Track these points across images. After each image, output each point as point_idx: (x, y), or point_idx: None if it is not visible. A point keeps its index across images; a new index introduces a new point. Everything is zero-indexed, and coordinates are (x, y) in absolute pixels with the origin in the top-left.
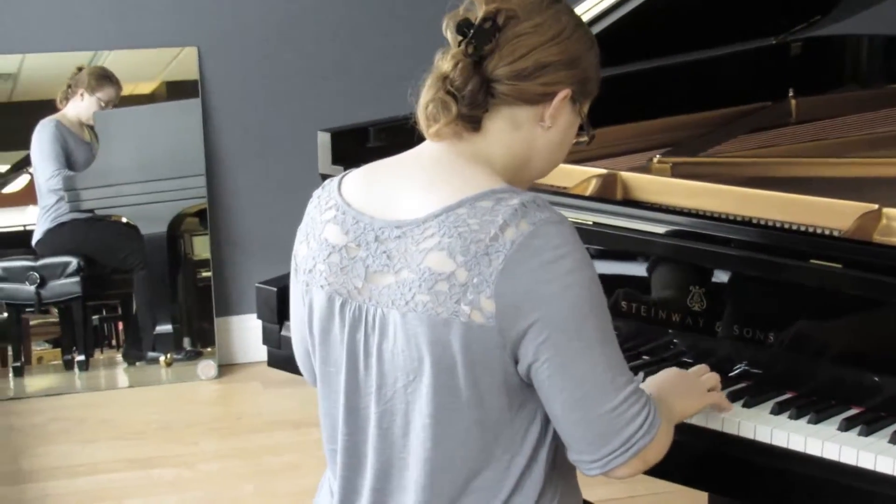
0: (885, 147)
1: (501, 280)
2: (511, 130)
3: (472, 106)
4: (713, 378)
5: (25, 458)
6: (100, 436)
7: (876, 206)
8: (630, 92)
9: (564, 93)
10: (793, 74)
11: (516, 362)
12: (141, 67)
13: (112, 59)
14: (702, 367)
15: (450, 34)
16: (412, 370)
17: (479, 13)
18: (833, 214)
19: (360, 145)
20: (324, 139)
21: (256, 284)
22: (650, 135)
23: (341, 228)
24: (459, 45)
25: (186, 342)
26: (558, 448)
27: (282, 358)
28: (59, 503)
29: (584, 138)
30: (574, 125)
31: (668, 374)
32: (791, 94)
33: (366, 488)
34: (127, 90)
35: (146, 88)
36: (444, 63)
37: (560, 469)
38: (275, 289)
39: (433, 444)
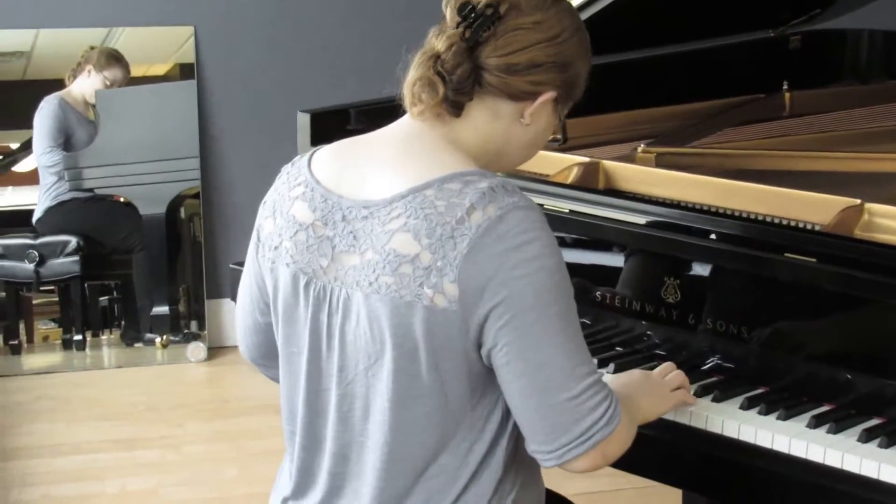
0: (877, 142)
1: (465, 264)
2: (491, 121)
3: (458, 91)
4: (678, 377)
5: (9, 437)
6: (86, 415)
7: (858, 201)
8: (623, 81)
9: (549, 94)
10: (790, 68)
11: (479, 348)
12: (154, 49)
13: (125, 40)
14: (667, 367)
15: (449, 12)
16: (374, 353)
17: None
18: (814, 208)
19: (340, 127)
20: (303, 120)
21: (231, 265)
22: (640, 124)
23: (309, 206)
24: (457, 27)
25: (194, 325)
26: (519, 439)
27: None
28: (40, 482)
29: (558, 137)
30: (551, 126)
31: (633, 374)
32: (785, 87)
33: (323, 471)
34: (140, 71)
35: (160, 70)
36: (439, 42)
37: (521, 461)
38: None
39: (392, 429)
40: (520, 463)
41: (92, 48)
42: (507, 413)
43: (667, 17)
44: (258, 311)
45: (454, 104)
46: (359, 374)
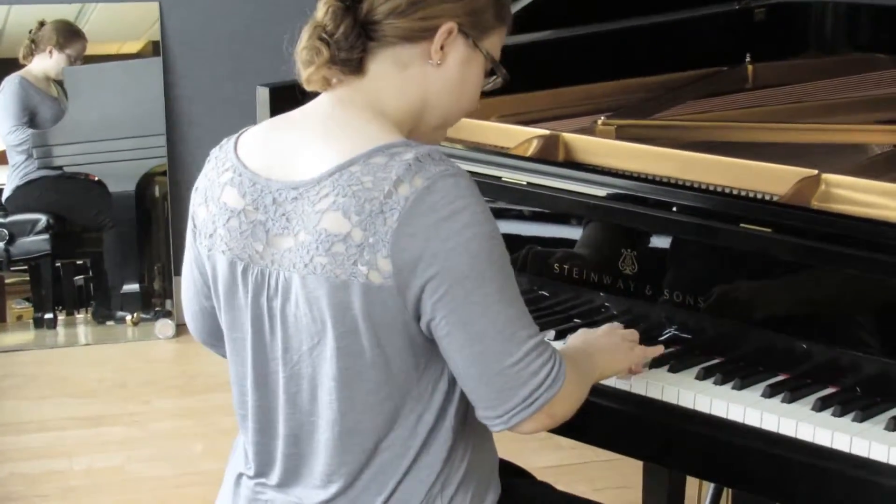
0: (837, 114)
1: (396, 238)
2: (398, 72)
3: (347, 49)
4: (633, 334)
5: None
6: (53, 393)
7: (815, 172)
8: (587, 54)
9: (447, 26)
10: (755, 40)
11: (418, 320)
12: (126, 25)
13: (96, 16)
14: (617, 326)
15: None
16: (315, 333)
17: None
18: (772, 179)
19: (300, 101)
20: (263, 94)
21: None
22: (603, 97)
23: (238, 191)
24: None
25: (169, 303)
26: (469, 405)
27: None
28: (6, 459)
29: (494, 79)
30: (473, 61)
31: (593, 331)
32: (748, 59)
33: (279, 453)
34: (113, 49)
35: (133, 48)
36: (318, 10)
37: (472, 426)
38: None
39: (340, 407)
40: (471, 428)
41: (41, 24)
42: (453, 380)
43: None
44: (202, 295)
45: (346, 62)
46: (303, 356)
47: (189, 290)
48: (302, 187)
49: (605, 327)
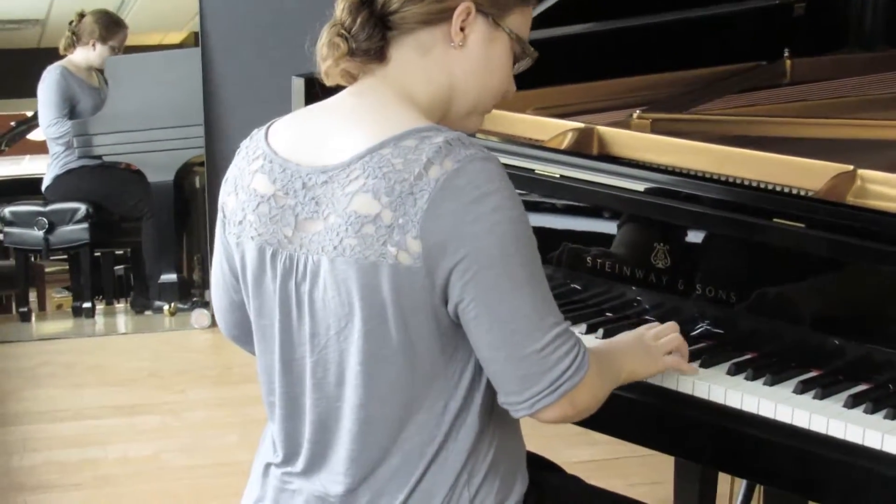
0: (874, 110)
1: (426, 220)
2: (421, 57)
3: (365, 40)
4: (675, 341)
5: (11, 402)
6: (88, 381)
7: (851, 168)
8: (625, 47)
9: (464, 6)
10: (794, 35)
11: (446, 304)
12: (168, 17)
13: (138, 7)
14: (667, 327)
15: None
16: (343, 316)
17: None
18: (807, 174)
19: (334, 91)
20: (298, 84)
21: None
22: (641, 91)
23: (269, 178)
24: None
25: (206, 294)
26: (495, 393)
27: None
28: (41, 447)
29: (526, 59)
30: (497, 42)
31: (627, 334)
32: (786, 54)
33: (305, 439)
34: (156, 39)
35: (175, 38)
36: (336, 8)
37: (499, 415)
38: None
39: (365, 391)
40: (498, 417)
41: (81, 16)
42: (480, 368)
43: None
44: (232, 289)
45: (366, 52)
46: (330, 340)
47: (218, 286)
48: (332, 171)
49: (639, 329)
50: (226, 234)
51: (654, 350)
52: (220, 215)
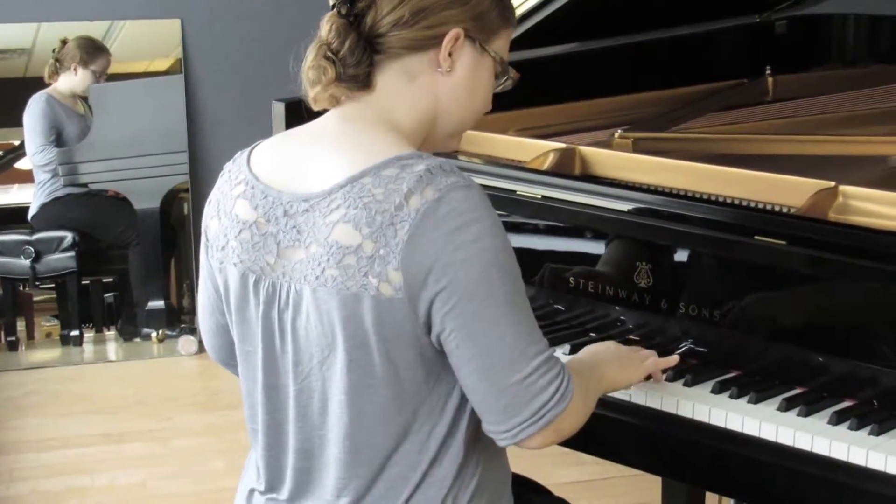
0: (856, 126)
1: (407, 250)
2: (407, 83)
3: (354, 65)
4: (648, 352)
5: None
6: (75, 410)
7: (832, 184)
8: (608, 67)
9: (453, 33)
10: (775, 52)
11: (429, 332)
12: (155, 43)
13: (125, 35)
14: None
15: None
16: (326, 346)
17: None
18: (789, 191)
19: (314, 115)
20: (278, 109)
21: None
22: (621, 111)
23: (251, 204)
24: (333, 8)
25: (193, 320)
26: (479, 419)
27: None
28: (28, 476)
29: (506, 80)
30: (483, 66)
31: (605, 344)
32: (768, 71)
33: (289, 467)
34: (142, 66)
35: (162, 65)
36: (322, 29)
37: (483, 441)
38: None
39: (350, 421)
40: (482, 443)
41: (64, 42)
42: (464, 394)
43: (653, 1)
44: (218, 311)
45: (354, 78)
46: (314, 369)
47: (205, 307)
48: (313, 199)
49: (614, 342)
50: (209, 257)
51: (630, 358)
52: (203, 238)
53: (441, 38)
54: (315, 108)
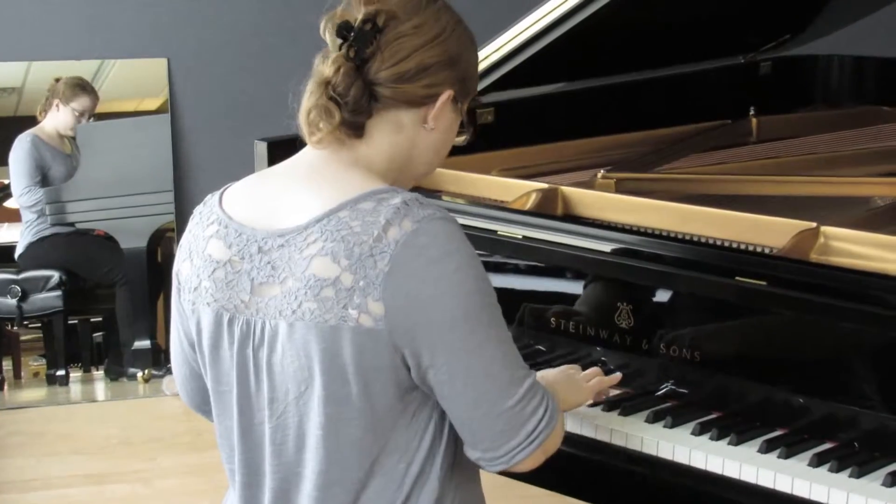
0: (838, 167)
1: (389, 281)
2: (394, 133)
3: (355, 112)
4: (591, 371)
5: None
6: (58, 450)
7: (814, 225)
8: (590, 106)
9: (448, 94)
10: (760, 93)
11: (408, 367)
12: (145, 82)
13: (115, 74)
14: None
15: (329, 37)
16: (303, 381)
17: (357, 14)
18: (771, 232)
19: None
20: (260, 149)
21: None
22: (605, 151)
23: (224, 243)
24: (340, 49)
25: None
26: (456, 453)
27: None
28: None
29: (464, 137)
30: (455, 124)
31: (552, 371)
32: (752, 112)
33: None
34: (132, 105)
35: (152, 104)
36: (326, 68)
37: (459, 474)
38: None
39: (326, 456)
40: (458, 476)
41: (57, 80)
42: (439, 429)
43: (637, 43)
44: (191, 358)
45: (353, 125)
46: (289, 405)
47: (178, 355)
48: (288, 234)
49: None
50: (181, 300)
51: (575, 380)
52: (174, 283)
53: (435, 97)
54: (317, 148)
